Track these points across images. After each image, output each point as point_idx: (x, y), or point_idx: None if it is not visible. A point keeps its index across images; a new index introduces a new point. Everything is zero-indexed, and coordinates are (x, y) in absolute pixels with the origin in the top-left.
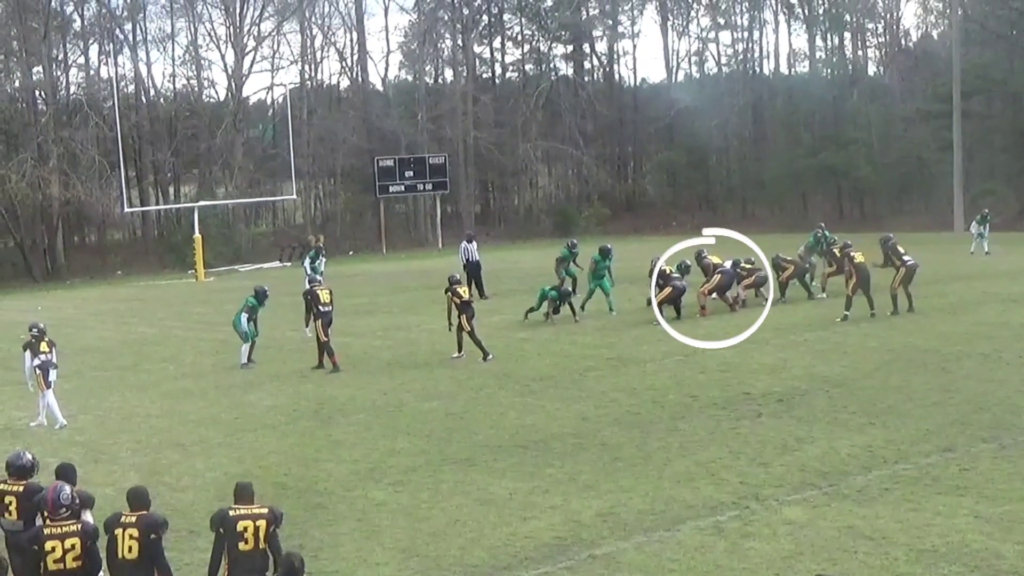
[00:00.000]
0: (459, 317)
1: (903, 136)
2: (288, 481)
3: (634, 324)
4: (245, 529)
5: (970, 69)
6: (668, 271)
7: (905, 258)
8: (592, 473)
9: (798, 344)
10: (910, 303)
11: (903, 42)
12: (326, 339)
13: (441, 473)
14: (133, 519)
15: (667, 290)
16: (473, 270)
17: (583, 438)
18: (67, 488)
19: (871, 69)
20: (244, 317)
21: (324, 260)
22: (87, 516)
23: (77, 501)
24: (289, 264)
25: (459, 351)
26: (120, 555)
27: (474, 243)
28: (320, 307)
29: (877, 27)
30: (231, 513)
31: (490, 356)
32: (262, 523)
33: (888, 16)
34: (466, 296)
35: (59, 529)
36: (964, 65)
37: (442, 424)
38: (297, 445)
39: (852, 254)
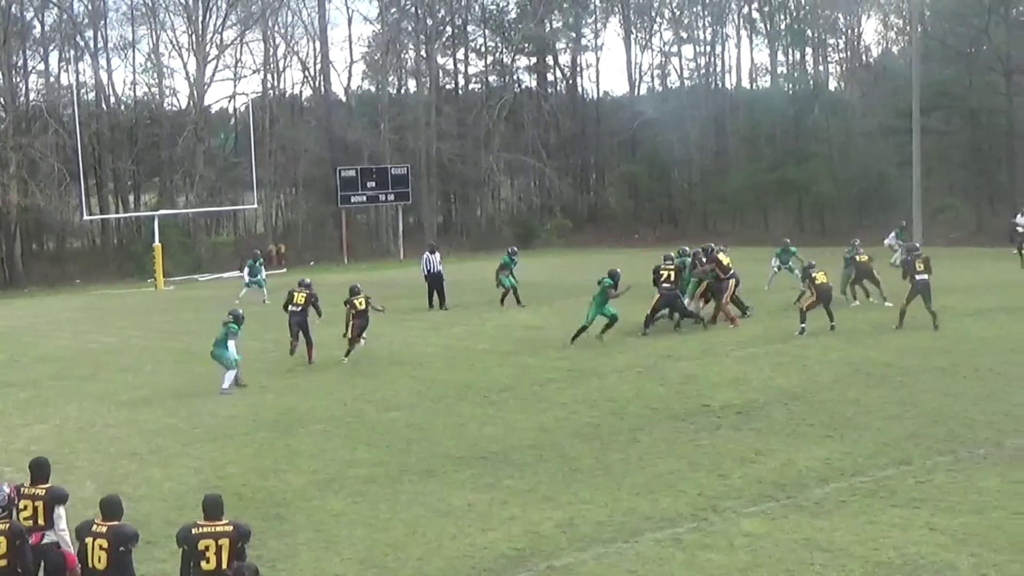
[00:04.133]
0: (349, 326)
1: (863, 151)
2: (246, 491)
3: (595, 336)
4: (207, 548)
5: (930, 85)
6: (664, 274)
7: (917, 277)
8: (551, 484)
9: (758, 357)
10: (934, 321)
11: (864, 58)
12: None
13: (400, 484)
14: (104, 529)
15: (656, 297)
16: (434, 281)
17: (542, 449)
18: (5, 489)
19: (832, 84)
20: (232, 345)
21: (263, 270)
22: (60, 511)
23: (14, 501)
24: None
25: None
26: (90, 563)
27: (437, 254)
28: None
29: (838, 43)
30: (193, 531)
31: (345, 360)
32: (225, 541)
33: (849, 32)
34: (361, 307)
35: None
36: (924, 81)
37: (401, 435)
38: (256, 455)
39: (814, 275)
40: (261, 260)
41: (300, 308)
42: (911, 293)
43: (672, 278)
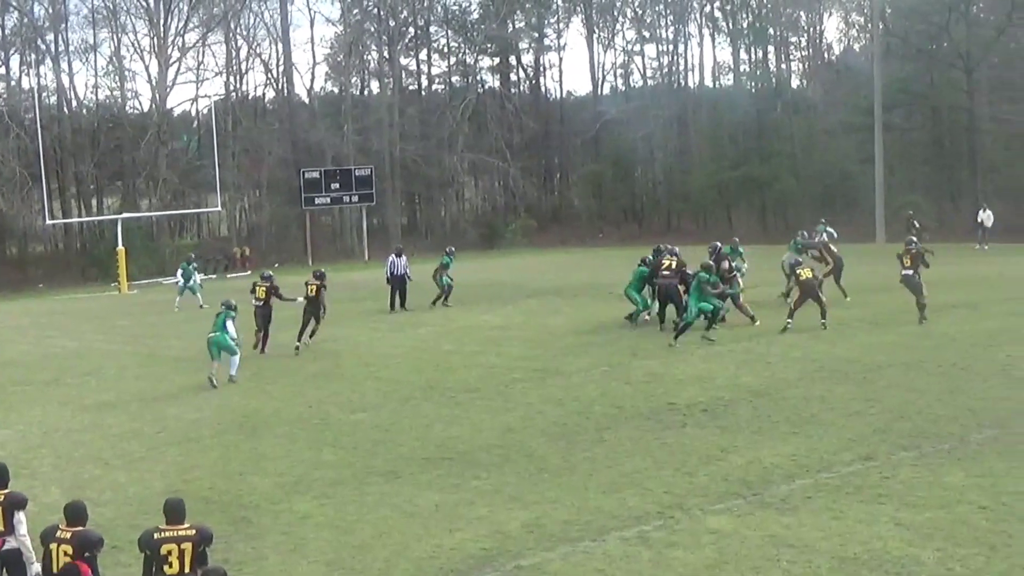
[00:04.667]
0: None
1: (826, 149)
2: (212, 495)
3: (561, 336)
4: (169, 552)
5: (891, 83)
6: (666, 262)
7: (903, 272)
8: (518, 484)
9: (723, 355)
10: (921, 315)
11: (826, 56)
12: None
13: (367, 485)
14: (68, 535)
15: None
16: (397, 283)
17: (509, 449)
18: None
19: (794, 82)
20: (231, 327)
21: (197, 275)
22: (20, 516)
23: None
24: (214, 276)
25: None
26: (54, 570)
27: (403, 257)
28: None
29: (800, 41)
30: (155, 536)
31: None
32: (187, 546)
33: (811, 30)
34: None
35: None
36: (885, 79)
37: (368, 436)
38: (221, 459)
39: (799, 271)
40: (195, 264)
41: (263, 302)
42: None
43: (673, 267)
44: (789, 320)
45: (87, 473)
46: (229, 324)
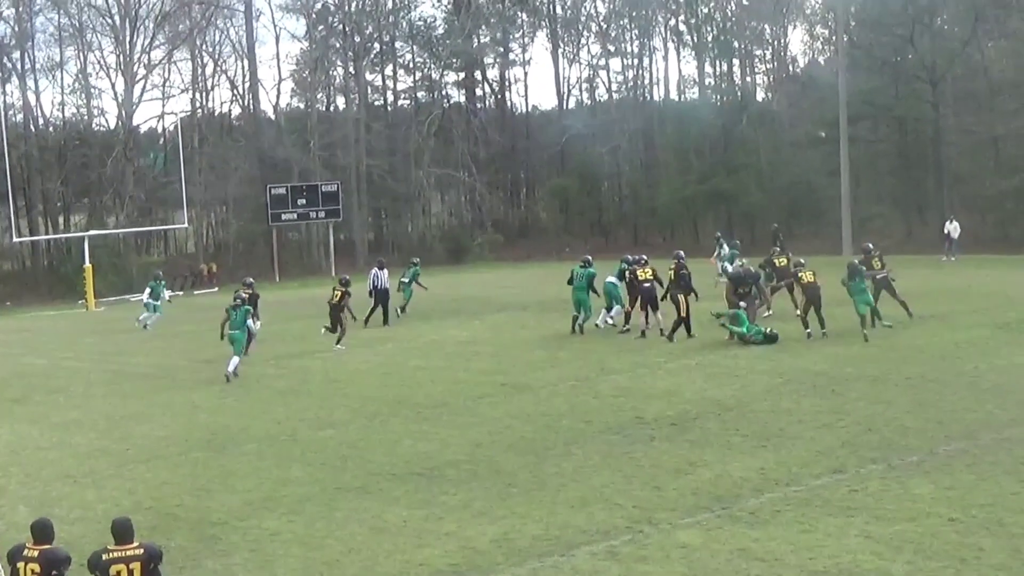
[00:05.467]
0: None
1: (792, 161)
2: (180, 512)
3: (528, 350)
4: (119, 573)
5: (856, 95)
6: (642, 274)
7: (877, 276)
8: (486, 499)
9: (691, 368)
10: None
11: (791, 68)
12: None
13: (335, 502)
14: (35, 553)
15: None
16: (380, 297)
17: (477, 464)
18: None
19: (760, 95)
20: (251, 323)
21: (166, 291)
22: None
23: None
24: (181, 293)
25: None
26: None
27: (385, 270)
28: None
29: (765, 54)
30: (104, 557)
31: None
32: (136, 565)
33: (775, 43)
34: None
35: None
36: (850, 91)
37: (336, 452)
38: (190, 476)
39: (800, 274)
40: (163, 282)
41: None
42: (876, 291)
43: (652, 276)
44: (809, 330)
45: (55, 491)
46: (250, 321)
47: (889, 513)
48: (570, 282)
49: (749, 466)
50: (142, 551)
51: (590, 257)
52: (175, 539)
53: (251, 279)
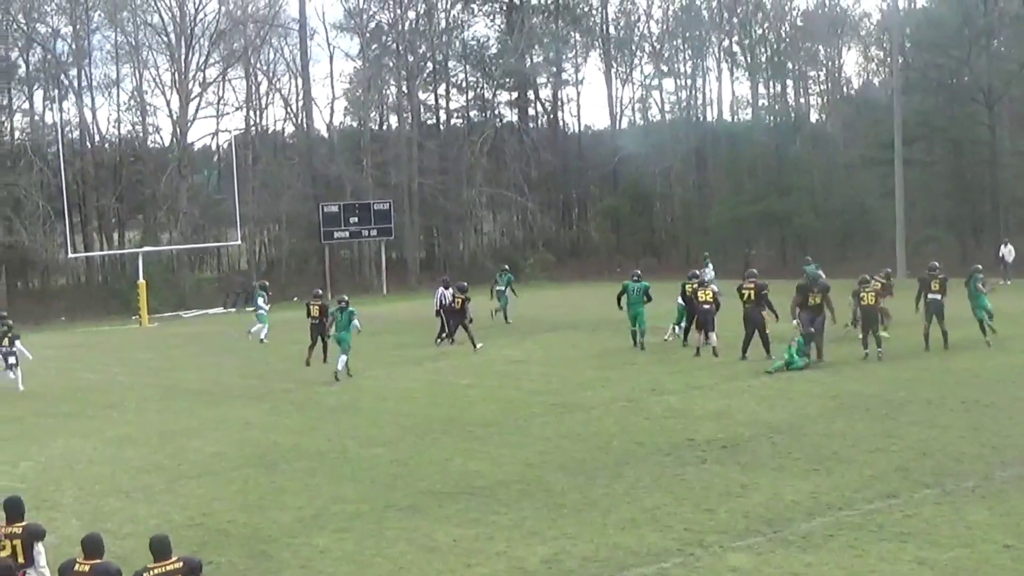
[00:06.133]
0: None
1: (845, 183)
2: (232, 528)
3: (579, 370)
4: None
5: (911, 116)
6: (702, 295)
7: (930, 296)
8: (537, 519)
9: (742, 391)
10: (945, 340)
11: (845, 90)
12: None
13: (385, 520)
14: (86, 568)
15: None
16: (448, 315)
17: (528, 484)
18: None
19: (813, 116)
20: (357, 322)
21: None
22: (39, 548)
23: (2, 540)
24: (234, 310)
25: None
26: None
27: (449, 290)
28: None
29: (819, 75)
30: (144, 575)
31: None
32: None
33: (830, 64)
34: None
35: None
36: (905, 113)
37: (386, 470)
38: (241, 492)
39: (862, 294)
40: (264, 292)
41: (317, 319)
42: (927, 313)
43: (751, 297)
44: (867, 349)
45: (108, 505)
46: (356, 321)
47: (943, 539)
48: (619, 297)
49: (801, 489)
50: (181, 564)
51: (639, 271)
52: (226, 555)
53: (319, 290)
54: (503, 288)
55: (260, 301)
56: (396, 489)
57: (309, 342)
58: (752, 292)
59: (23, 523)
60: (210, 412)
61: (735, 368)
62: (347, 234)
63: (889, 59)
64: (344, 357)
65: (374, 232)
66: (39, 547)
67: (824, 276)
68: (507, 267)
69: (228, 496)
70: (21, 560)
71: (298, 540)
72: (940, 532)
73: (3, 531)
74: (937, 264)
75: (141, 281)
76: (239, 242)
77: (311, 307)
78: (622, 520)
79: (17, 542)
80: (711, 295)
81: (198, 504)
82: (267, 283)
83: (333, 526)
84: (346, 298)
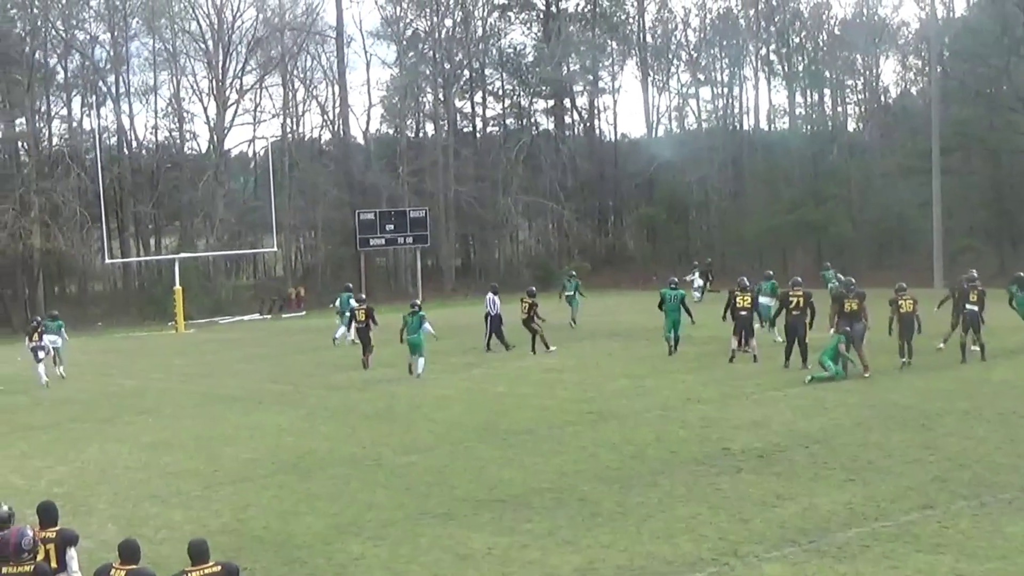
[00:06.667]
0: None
1: (882, 192)
2: (266, 535)
3: (614, 378)
4: None
5: (949, 126)
6: (741, 301)
7: (967, 307)
8: (571, 528)
9: (778, 400)
10: (982, 352)
11: (882, 99)
12: None
13: (420, 527)
14: (122, 574)
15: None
16: (495, 322)
17: (562, 493)
18: (29, 534)
19: (851, 125)
20: (428, 326)
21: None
22: (72, 553)
23: (39, 546)
24: (269, 316)
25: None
26: None
27: (498, 296)
28: None
29: (857, 84)
30: None
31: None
32: None
33: (867, 73)
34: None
35: (16, 569)
36: (943, 122)
37: (421, 478)
38: (276, 498)
39: (900, 301)
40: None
41: (364, 323)
42: (963, 324)
43: (800, 305)
44: (903, 359)
45: (143, 511)
46: (427, 324)
47: (980, 551)
48: (660, 305)
49: (837, 500)
50: (220, 568)
51: (676, 279)
52: (260, 562)
53: (363, 295)
54: (572, 293)
55: (354, 303)
56: (430, 496)
57: (360, 346)
58: (800, 300)
59: (56, 528)
60: (245, 418)
61: (771, 378)
62: (383, 241)
63: (927, 68)
64: (421, 360)
65: (410, 239)
66: (71, 552)
67: (840, 282)
68: (574, 272)
69: (263, 502)
70: (54, 565)
71: (332, 547)
72: (977, 544)
73: (38, 535)
74: (975, 275)
75: (177, 287)
76: (275, 249)
77: (357, 312)
78: (657, 529)
79: (50, 547)
80: (749, 301)
81: (233, 510)
82: (351, 285)
83: (367, 533)
84: (418, 302)
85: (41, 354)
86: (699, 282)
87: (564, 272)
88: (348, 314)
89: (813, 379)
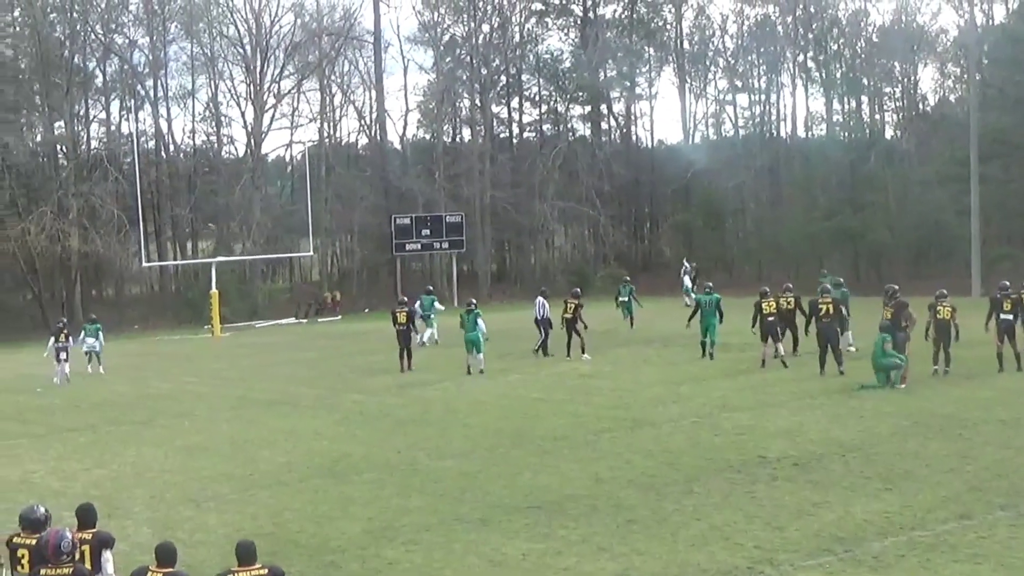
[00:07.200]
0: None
1: (920, 200)
2: (301, 539)
3: (650, 385)
4: None
5: (988, 133)
6: (823, 308)
7: (1002, 316)
8: (606, 535)
9: (814, 408)
10: (1018, 362)
11: (920, 106)
12: None
13: (454, 533)
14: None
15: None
16: (546, 326)
17: (597, 499)
18: (68, 536)
19: (888, 133)
20: (482, 323)
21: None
22: (107, 555)
23: (77, 547)
24: (305, 320)
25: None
26: None
27: (547, 300)
28: None
29: (895, 91)
30: None
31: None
32: None
33: (906, 80)
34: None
35: (54, 570)
36: (982, 129)
37: (456, 483)
38: (311, 502)
39: (938, 308)
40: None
41: (404, 326)
42: (998, 333)
43: (830, 312)
44: (936, 367)
45: (178, 514)
46: (481, 323)
47: (1018, 562)
48: (697, 310)
49: (873, 509)
50: (266, 571)
51: (711, 284)
52: (295, 565)
53: (405, 298)
54: (626, 299)
55: (437, 304)
56: (465, 502)
57: (396, 351)
58: (829, 307)
59: (93, 530)
60: (280, 422)
61: (806, 385)
62: (419, 246)
63: (966, 75)
64: (480, 356)
65: (446, 245)
66: (107, 555)
67: (832, 289)
68: (628, 278)
69: (298, 506)
70: (89, 566)
71: (367, 551)
72: (1014, 554)
73: (75, 536)
74: (1008, 284)
75: (214, 291)
76: (311, 253)
77: (398, 314)
78: (692, 537)
79: (86, 548)
80: (774, 307)
81: (268, 514)
82: (431, 288)
83: (402, 538)
84: (474, 301)
85: (63, 355)
86: (688, 284)
87: (598, 277)
88: (430, 316)
89: (863, 387)
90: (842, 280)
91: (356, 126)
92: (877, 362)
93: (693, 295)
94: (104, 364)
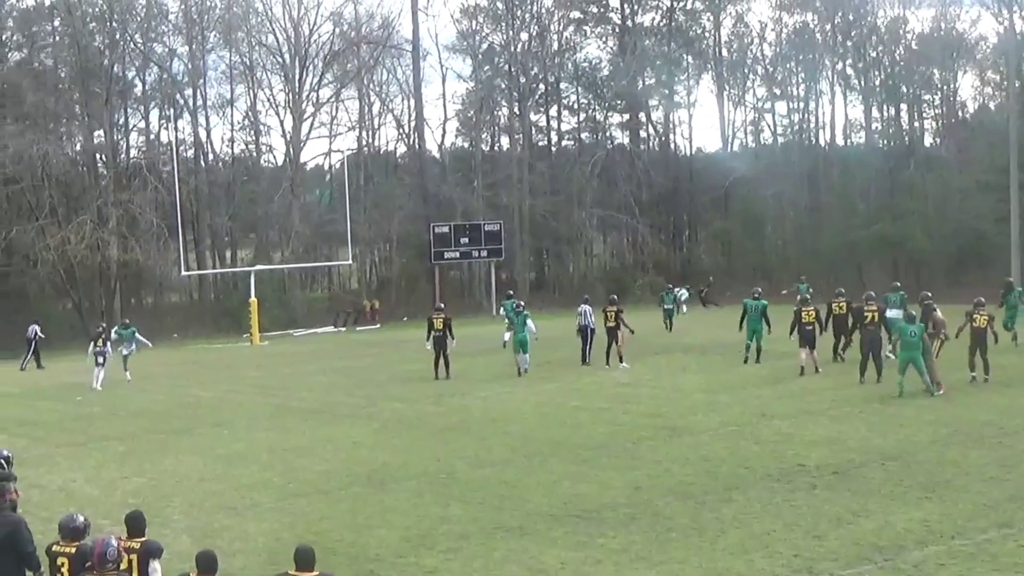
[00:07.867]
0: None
1: (960, 208)
2: (340, 547)
3: (689, 393)
4: None
5: None
6: (869, 315)
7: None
8: (645, 544)
9: (853, 416)
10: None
11: (960, 114)
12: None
13: (493, 541)
14: None
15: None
16: (589, 334)
17: (636, 508)
18: (114, 544)
19: (927, 140)
20: (531, 323)
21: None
22: (155, 565)
23: (123, 556)
24: (343, 329)
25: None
26: None
27: (591, 307)
28: None
29: (934, 99)
30: None
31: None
32: None
33: (945, 88)
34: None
35: None
36: (1021, 137)
37: (494, 492)
38: (349, 511)
39: (975, 315)
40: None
41: (441, 332)
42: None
43: (875, 319)
44: (973, 373)
45: (217, 522)
46: (530, 323)
47: None
48: (743, 315)
49: (913, 517)
50: None
51: (760, 289)
52: (335, 574)
53: (442, 304)
54: (671, 307)
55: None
56: (504, 511)
57: (432, 359)
58: (875, 314)
59: (142, 539)
60: (319, 430)
61: (845, 393)
62: (457, 255)
63: (1006, 83)
64: (527, 356)
65: (484, 253)
66: (154, 564)
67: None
68: (671, 286)
69: (336, 515)
70: (136, 575)
71: (406, 560)
72: None
73: (123, 544)
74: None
75: (253, 299)
76: (350, 261)
77: (435, 320)
78: (731, 545)
79: (134, 557)
80: (814, 315)
81: (307, 522)
82: (512, 292)
83: (441, 546)
84: (522, 303)
85: (101, 359)
86: (685, 295)
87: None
88: (508, 319)
89: (903, 393)
90: (898, 284)
91: (395, 134)
92: (907, 343)
93: (685, 307)
94: (131, 370)
